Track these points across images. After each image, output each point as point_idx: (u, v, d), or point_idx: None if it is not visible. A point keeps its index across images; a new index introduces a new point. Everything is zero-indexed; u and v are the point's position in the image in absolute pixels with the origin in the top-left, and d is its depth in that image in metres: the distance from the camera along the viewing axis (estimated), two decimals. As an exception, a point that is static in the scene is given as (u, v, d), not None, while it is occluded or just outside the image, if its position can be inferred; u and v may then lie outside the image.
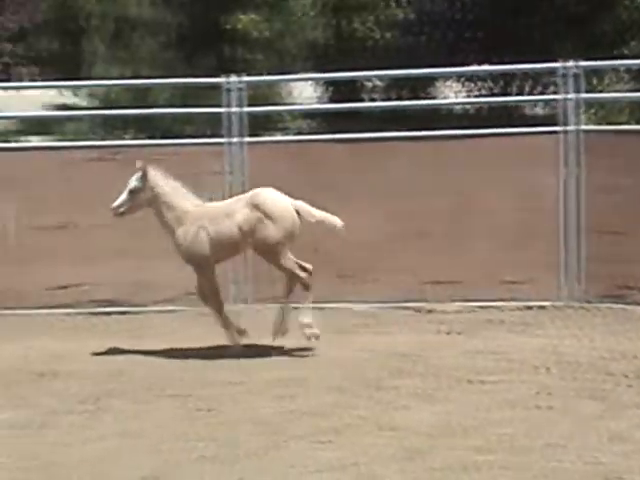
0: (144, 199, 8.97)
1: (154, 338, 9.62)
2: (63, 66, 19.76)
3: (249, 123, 10.58)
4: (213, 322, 10.10)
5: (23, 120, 18.90)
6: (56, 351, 9.10)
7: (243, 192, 10.43)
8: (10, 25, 18.62)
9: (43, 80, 19.36)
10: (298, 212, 8.92)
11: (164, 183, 8.99)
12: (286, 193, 10.23)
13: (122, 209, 8.96)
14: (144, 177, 8.96)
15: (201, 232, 8.91)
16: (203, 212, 9.01)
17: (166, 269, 10.05)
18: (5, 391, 7.98)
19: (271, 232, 8.83)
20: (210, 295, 9.05)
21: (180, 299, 10.33)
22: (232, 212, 8.93)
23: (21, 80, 19.37)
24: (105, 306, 10.37)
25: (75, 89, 18.20)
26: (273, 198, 8.96)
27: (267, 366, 8.49)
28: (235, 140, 10.51)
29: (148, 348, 9.15)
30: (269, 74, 15.37)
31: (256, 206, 8.87)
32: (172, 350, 9.08)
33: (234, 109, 10.52)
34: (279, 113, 17.94)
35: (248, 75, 10.95)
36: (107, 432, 6.99)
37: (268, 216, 8.83)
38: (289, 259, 8.89)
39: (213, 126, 13.27)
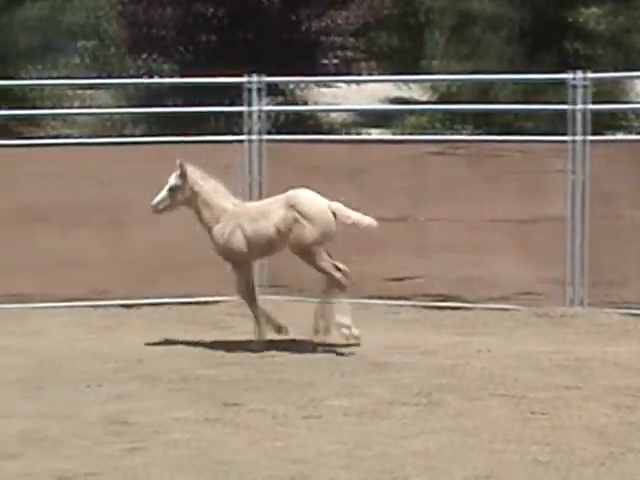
0: (183, 197, 9.11)
1: (485, 335, 9.55)
2: (401, 60, 20.01)
3: (592, 121, 10.30)
4: (546, 323, 9.94)
5: (360, 113, 19.33)
6: (390, 342, 9.20)
7: (583, 191, 10.22)
8: (355, 20, 19.05)
9: (380, 74, 19.67)
10: (334, 213, 8.90)
11: (203, 182, 9.09)
12: (628, 195, 9.90)
13: (161, 206, 9.12)
14: (183, 175, 9.06)
15: (238, 230, 9.00)
16: (241, 211, 9.10)
17: (502, 266, 9.97)
18: (340, 379, 8.13)
19: (307, 232, 8.85)
20: (243, 289, 9.11)
21: (515, 298, 10.21)
22: (268, 212, 8.99)
23: (360, 74, 19.76)
24: (439, 300, 10.39)
25: (414, 83, 18.42)
26: (310, 199, 8.98)
27: (603, 372, 8.21)
28: (579, 138, 10.24)
29: (478, 345, 9.08)
30: (614, 70, 14.89)
31: (292, 206, 8.90)
32: (504, 348, 8.97)
33: (579, 106, 10.25)
34: (623, 111, 17.41)
35: (592, 71, 10.63)
36: (439, 427, 6.97)
37: (304, 216, 8.86)
38: (325, 259, 8.87)
39: (551, 123, 13.02)
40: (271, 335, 9.09)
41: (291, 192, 9.11)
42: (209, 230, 9.17)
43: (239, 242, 9.07)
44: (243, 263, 9.15)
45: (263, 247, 9.12)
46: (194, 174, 9.14)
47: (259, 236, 9.04)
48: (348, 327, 8.95)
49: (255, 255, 9.22)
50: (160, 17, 18.08)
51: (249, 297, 9.18)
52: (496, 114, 15.91)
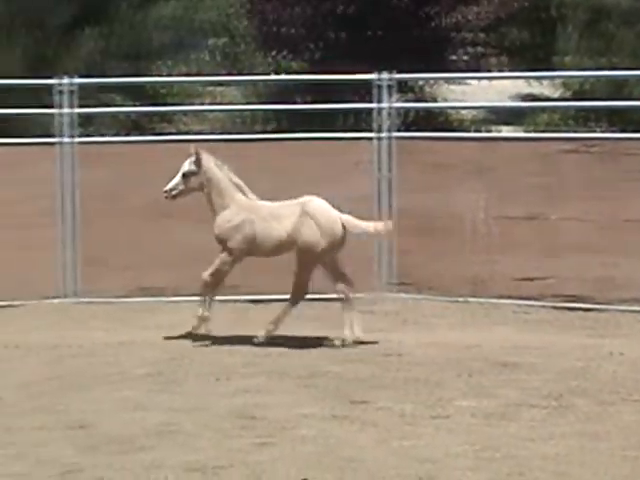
0: (197, 183, 9.14)
1: (617, 338, 9.37)
2: (532, 56, 19.73)
3: None
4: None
5: (491, 110, 19.14)
6: (519, 342, 9.10)
7: None
8: (485, 15, 18.86)
9: (510, 70, 19.43)
10: (344, 226, 8.95)
11: (217, 169, 9.10)
12: None
13: (175, 192, 9.16)
14: (198, 161, 9.07)
15: (246, 224, 9.01)
16: (253, 206, 9.11)
17: (636, 267, 9.76)
18: (468, 379, 8.06)
19: (316, 239, 8.88)
20: (215, 276, 9.08)
21: (649, 300, 10.01)
22: (281, 216, 9.00)
23: (490, 70, 19.55)
24: (569, 301, 10.22)
25: (546, 79, 18.19)
26: (324, 208, 8.99)
27: None
28: None
29: (610, 348, 8.90)
30: None
31: (306, 213, 8.90)
32: (636, 352, 8.78)
33: None
34: None
35: None
36: (568, 431, 6.85)
37: (317, 224, 8.88)
38: (309, 278, 8.98)
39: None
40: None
41: (307, 199, 9.12)
42: (215, 215, 9.19)
43: (244, 234, 9.09)
44: (233, 255, 9.14)
45: (268, 248, 9.14)
46: (209, 161, 9.20)
47: (266, 236, 9.08)
48: (269, 331, 9.10)
49: (255, 253, 9.21)
50: (289, 16, 18.19)
51: (211, 287, 9.18)
52: (631, 111, 15.58)
